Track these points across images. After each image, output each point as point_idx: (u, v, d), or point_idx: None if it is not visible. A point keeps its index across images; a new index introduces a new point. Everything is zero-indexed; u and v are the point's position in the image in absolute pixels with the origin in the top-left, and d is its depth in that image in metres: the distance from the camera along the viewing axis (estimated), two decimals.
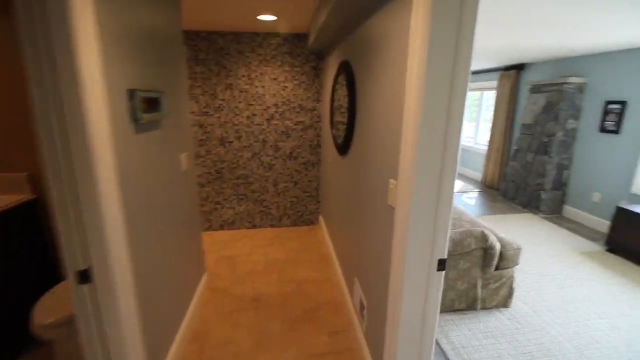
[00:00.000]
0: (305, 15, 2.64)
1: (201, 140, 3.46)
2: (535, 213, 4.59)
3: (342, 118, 2.35)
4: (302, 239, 3.55)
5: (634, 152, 3.64)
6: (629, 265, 3.14)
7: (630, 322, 2.30)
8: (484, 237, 2.20)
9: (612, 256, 3.33)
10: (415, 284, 1.27)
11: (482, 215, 4.51)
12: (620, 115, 3.74)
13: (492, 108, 5.98)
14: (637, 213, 3.18)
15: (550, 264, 3.11)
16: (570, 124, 4.29)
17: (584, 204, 4.27)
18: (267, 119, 3.51)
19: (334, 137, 2.68)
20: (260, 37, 3.30)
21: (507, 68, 5.45)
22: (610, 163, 3.91)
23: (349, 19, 2.01)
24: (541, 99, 4.57)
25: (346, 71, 2.18)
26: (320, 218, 3.84)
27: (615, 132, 3.82)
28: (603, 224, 3.98)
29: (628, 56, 3.66)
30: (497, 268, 2.29)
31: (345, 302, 2.36)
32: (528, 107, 4.83)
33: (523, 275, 2.89)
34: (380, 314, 1.58)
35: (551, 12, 2.34)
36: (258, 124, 3.51)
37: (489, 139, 5.93)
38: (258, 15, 2.63)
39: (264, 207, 3.76)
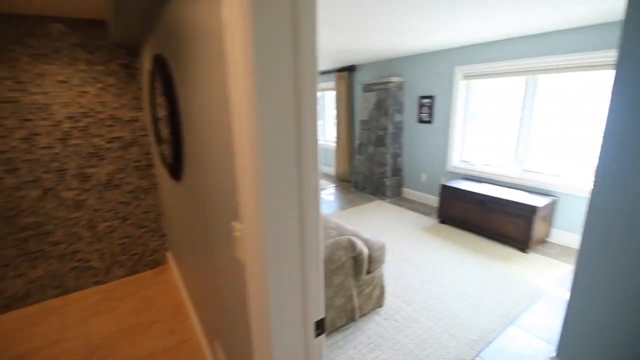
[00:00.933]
0: None
1: None
2: (382, 199, 5.07)
3: (167, 131, 1.76)
4: (146, 291, 2.72)
5: (443, 137, 4.41)
6: (457, 232, 3.74)
7: (472, 287, 2.65)
8: (351, 246, 2.06)
9: (444, 226, 3.92)
10: (290, 358, 0.90)
11: (342, 210, 4.66)
12: (431, 107, 4.46)
13: (334, 106, 6.34)
14: (454, 187, 3.83)
15: (403, 246, 3.38)
16: (397, 117, 4.90)
17: (416, 185, 4.97)
18: (61, 139, 2.49)
19: (162, 156, 2.04)
20: (29, 22, 2.27)
21: (341, 69, 5.84)
22: (429, 148, 4.64)
23: None
24: (372, 97, 5.05)
25: (162, 69, 1.61)
26: (169, 255, 3.07)
27: (429, 122, 4.54)
28: (433, 200, 4.71)
29: (432, 57, 4.37)
30: (368, 272, 2.21)
31: None
32: (363, 105, 5.28)
33: (386, 266, 3.00)
34: None
35: (371, 17, 2.40)
36: (46, 147, 2.44)
37: (335, 135, 6.28)
38: None
39: (79, 261, 2.71)
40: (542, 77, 3.44)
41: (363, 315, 2.29)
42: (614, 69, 2.90)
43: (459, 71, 4.04)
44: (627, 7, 1.34)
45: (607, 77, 2.98)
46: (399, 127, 4.94)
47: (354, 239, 2.10)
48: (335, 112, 6.18)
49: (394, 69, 4.94)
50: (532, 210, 3.10)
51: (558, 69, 3.21)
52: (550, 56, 3.21)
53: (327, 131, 7.09)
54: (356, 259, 2.09)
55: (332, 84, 6.33)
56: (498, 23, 2.83)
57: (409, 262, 3.06)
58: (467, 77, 3.99)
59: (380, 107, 4.91)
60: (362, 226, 3.98)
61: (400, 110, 4.91)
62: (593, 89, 3.16)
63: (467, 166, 4.23)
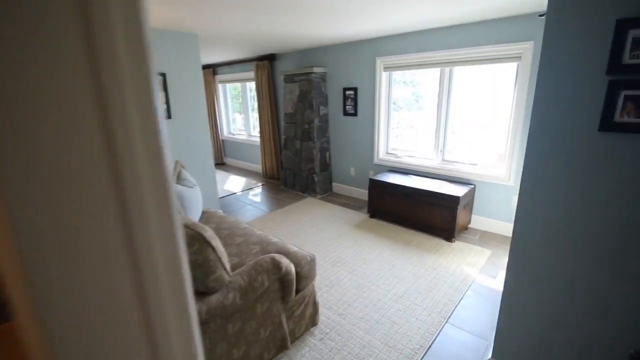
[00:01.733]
0: None
1: None
2: (313, 196, 4.86)
3: None
4: None
5: (369, 129, 4.33)
6: (387, 226, 3.70)
7: (406, 286, 2.57)
8: (275, 267, 1.75)
9: (374, 221, 3.86)
10: None
11: (270, 211, 4.32)
12: (355, 99, 4.34)
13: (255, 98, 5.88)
14: (381, 181, 3.77)
15: (336, 248, 3.20)
16: (323, 110, 4.69)
17: (346, 179, 4.86)
18: None
19: None
20: None
21: (260, 58, 5.40)
22: (356, 141, 4.54)
23: None
24: (295, 89, 4.75)
25: None
26: None
27: (354, 114, 4.42)
28: (363, 193, 4.65)
29: (354, 47, 4.22)
30: (297, 291, 1.93)
31: None
32: (286, 97, 4.95)
33: (319, 274, 2.77)
34: None
35: None
36: None
37: (259, 130, 5.85)
38: None
39: None
40: (456, 69, 3.53)
41: (296, 339, 2.02)
42: (518, 62, 3.06)
43: (380, 62, 3.96)
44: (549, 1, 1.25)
45: (513, 69, 3.14)
46: (324, 120, 4.74)
47: (278, 257, 1.79)
48: (256, 104, 5.74)
49: (316, 58, 4.70)
50: (454, 200, 3.17)
51: (470, 61, 3.30)
52: (463, 49, 3.28)
53: (252, 126, 6.60)
54: (283, 280, 1.79)
55: (252, 74, 5.84)
56: (415, 11, 2.74)
57: (342, 266, 2.88)
58: (388, 68, 3.94)
59: (305, 99, 4.64)
60: (291, 230, 3.69)
61: (325, 103, 4.70)
62: (502, 80, 3.33)
63: (393, 158, 4.23)
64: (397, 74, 4.03)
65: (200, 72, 3.55)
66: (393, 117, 4.23)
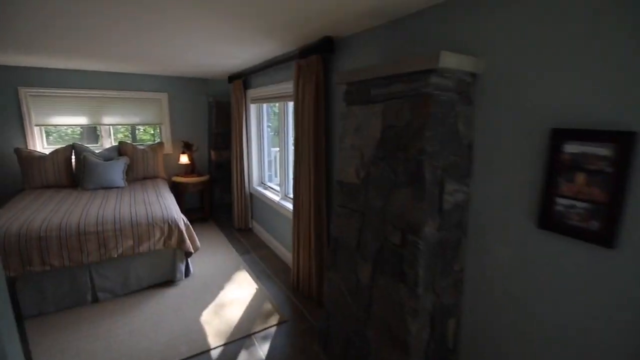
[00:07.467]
0: None
1: None
2: None
3: None
4: None
5: None
6: None
7: None
8: None
9: None
10: None
11: None
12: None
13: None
14: None
15: None
16: (454, 190, 1.52)
17: None
18: None
19: None
20: None
21: (304, 52, 2.53)
22: None
23: None
24: (373, 119, 1.70)
25: None
26: None
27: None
28: None
29: None
30: None
31: None
32: (346, 141, 1.92)
33: None
34: None
35: None
36: None
37: (292, 194, 2.93)
38: None
39: None
40: None
41: None
42: None
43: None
44: None
45: None
46: (458, 214, 1.55)
47: None
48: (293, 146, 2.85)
49: (423, 36, 1.61)
50: None
51: None
52: None
53: (289, 180, 3.71)
54: None
55: (291, 85, 3.00)
56: None
57: None
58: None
59: (397, 150, 1.54)
60: None
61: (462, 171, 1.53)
62: None
63: None
64: None
65: None
66: None
